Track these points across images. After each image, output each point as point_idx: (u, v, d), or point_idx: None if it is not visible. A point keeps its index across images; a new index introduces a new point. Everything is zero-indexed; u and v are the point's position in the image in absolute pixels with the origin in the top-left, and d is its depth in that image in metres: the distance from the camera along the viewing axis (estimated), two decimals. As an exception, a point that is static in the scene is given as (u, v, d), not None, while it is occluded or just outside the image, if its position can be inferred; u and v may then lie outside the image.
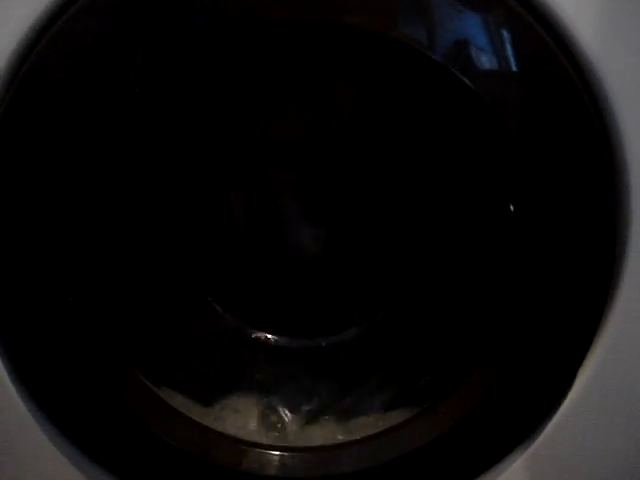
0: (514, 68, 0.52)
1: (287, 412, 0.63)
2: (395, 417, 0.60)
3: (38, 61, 0.51)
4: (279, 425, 0.62)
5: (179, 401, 0.60)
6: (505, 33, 0.51)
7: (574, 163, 0.53)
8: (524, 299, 0.55)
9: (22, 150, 0.51)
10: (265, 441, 0.60)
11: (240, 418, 0.62)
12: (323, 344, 0.68)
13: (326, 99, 0.62)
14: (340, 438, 0.60)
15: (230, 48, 0.52)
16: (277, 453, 0.59)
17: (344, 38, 0.51)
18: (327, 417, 0.63)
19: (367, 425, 0.61)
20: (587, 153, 0.52)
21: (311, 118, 0.63)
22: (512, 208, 0.54)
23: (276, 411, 0.63)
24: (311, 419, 0.63)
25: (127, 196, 0.60)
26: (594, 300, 0.55)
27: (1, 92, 0.51)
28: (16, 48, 0.51)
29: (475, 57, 0.51)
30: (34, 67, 0.51)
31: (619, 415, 0.58)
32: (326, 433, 0.61)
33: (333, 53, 0.55)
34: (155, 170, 0.62)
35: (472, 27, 0.51)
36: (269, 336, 0.68)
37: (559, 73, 0.51)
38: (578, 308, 0.55)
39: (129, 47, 0.50)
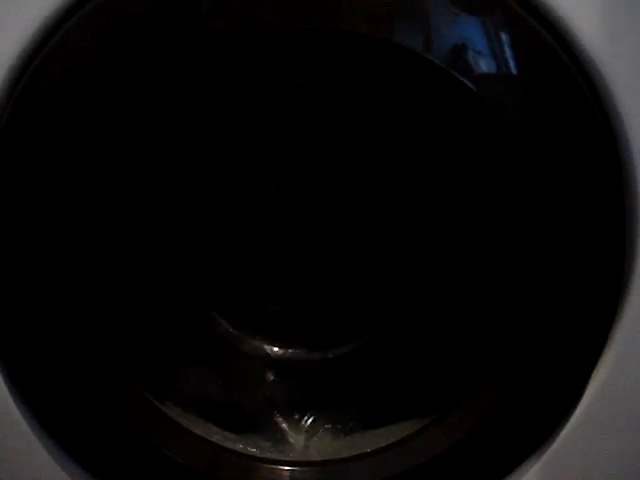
0: (515, 71, 0.51)
1: (295, 425, 0.63)
2: (406, 429, 0.59)
3: (35, 76, 0.51)
4: (287, 439, 0.62)
5: (183, 417, 0.59)
6: (504, 36, 0.51)
7: (580, 164, 0.52)
8: (534, 305, 0.55)
9: (23, 163, 0.52)
10: (274, 456, 0.59)
11: (246, 433, 0.61)
12: (330, 355, 0.67)
13: (325, 106, 0.61)
14: (350, 451, 0.60)
15: (225, 59, 0.52)
16: (287, 468, 0.58)
17: (340, 45, 0.51)
18: (336, 430, 0.62)
19: (377, 437, 0.60)
20: (593, 154, 0.52)
21: (311, 126, 0.62)
22: (518, 211, 0.54)
23: (283, 425, 0.62)
24: (319, 432, 0.62)
25: (127, 208, 0.60)
26: (605, 305, 0.54)
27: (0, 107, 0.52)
28: (13, 64, 0.51)
29: (475, 61, 0.51)
30: (31, 82, 0.51)
31: (632, 420, 0.57)
32: (335, 446, 0.61)
33: (331, 60, 0.55)
34: (155, 181, 0.62)
35: (470, 31, 0.51)
36: (275, 349, 0.67)
37: (562, 74, 0.51)
38: (589, 313, 0.55)
39: (125, 60, 0.50)
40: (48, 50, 0.51)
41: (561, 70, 0.51)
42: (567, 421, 0.57)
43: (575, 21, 0.51)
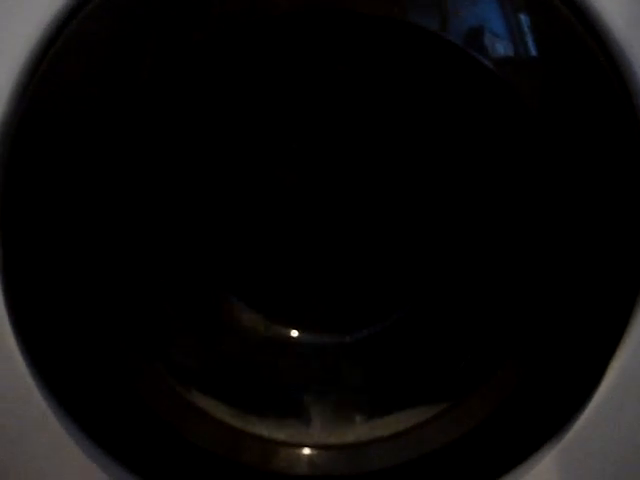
0: (536, 53, 0.51)
1: (314, 410, 0.63)
2: (422, 414, 0.59)
3: (50, 67, 0.51)
4: (307, 423, 0.62)
5: (204, 401, 0.59)
6: (524, 17, 0.50)
7: (602, 148, 0.51)
8: (552, 294, 0.54)
9: (40, 154, 0.52)
10: (293, 439, 0.59)
11: (266, 417, 0.61)
12: (348, 340, 0.67)
13: (340, 88, 0.60)
14: (368, 435, 0.60)
15: (239, 43, 0.51)
16: (306, 452, 0.58)
17: (357, 26, 0.51)
18: (354, 414, 0.62)
19: (395, 422, 0.60)
20: (616, 138, 0.51)
21: (328, 107, 0.62)
22: (538, 198, 0.53)
23: (303, 409, 0.63)
24: (338, 416, 0.62)
25: (147, 194, 0.60)
26: (624, 294, 0.54)
27: (16, 100, 0.52)
28: (28, 56, 0.51)
29: (494, 42, 0.50)
30: (46, 73, 0.51)
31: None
32: (354, 430, 0.61)
33: (346, 42, 0.54)
34: (171, 170, 0.62)
35: (489, 12, 0.50)
36: (293, 332, 0.67)
37: (585, 56, 0.50)
38: (607, 302, 0.54)
39: (138, 49, 0.50)
40: (63, 40, 0.51)
41: (584, 52, 0.50)
42: (585, 407, 0.57)
43: (600, 1, 0.49)
